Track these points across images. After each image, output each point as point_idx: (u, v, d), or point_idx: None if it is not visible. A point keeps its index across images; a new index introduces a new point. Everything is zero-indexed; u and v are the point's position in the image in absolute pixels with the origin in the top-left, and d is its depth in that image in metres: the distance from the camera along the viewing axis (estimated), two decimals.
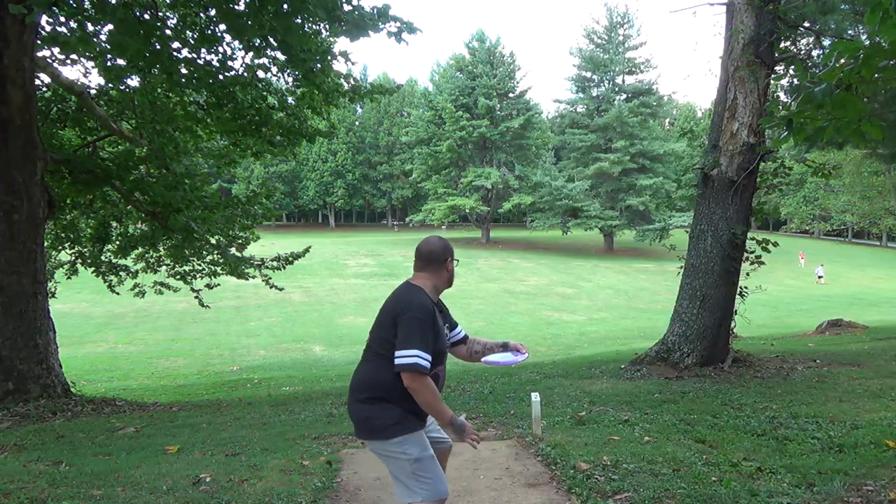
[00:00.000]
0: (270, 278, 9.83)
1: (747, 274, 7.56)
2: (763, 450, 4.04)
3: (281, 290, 10.66)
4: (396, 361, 2.34)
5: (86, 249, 9.81)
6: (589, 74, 52.25)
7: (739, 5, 7.05)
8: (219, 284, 10.53)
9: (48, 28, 6.06)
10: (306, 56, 6.84)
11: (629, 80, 51.83)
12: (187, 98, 8.21)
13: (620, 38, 51.35)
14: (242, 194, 10.18)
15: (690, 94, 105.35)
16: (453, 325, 2.75)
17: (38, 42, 6.50)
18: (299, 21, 6.06)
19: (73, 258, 9.91)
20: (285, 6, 5.66)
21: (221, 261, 9.49)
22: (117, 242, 9.66)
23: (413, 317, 2.39)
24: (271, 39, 6.42)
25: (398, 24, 6.12)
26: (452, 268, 2.63)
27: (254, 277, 9.84)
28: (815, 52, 8.07)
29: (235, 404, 7.37)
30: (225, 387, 10.80)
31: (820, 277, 35.07)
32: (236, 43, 6.81)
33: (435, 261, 2.58)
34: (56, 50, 7.19)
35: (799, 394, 5.72)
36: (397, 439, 2.41)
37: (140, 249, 9.74)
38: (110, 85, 7.87)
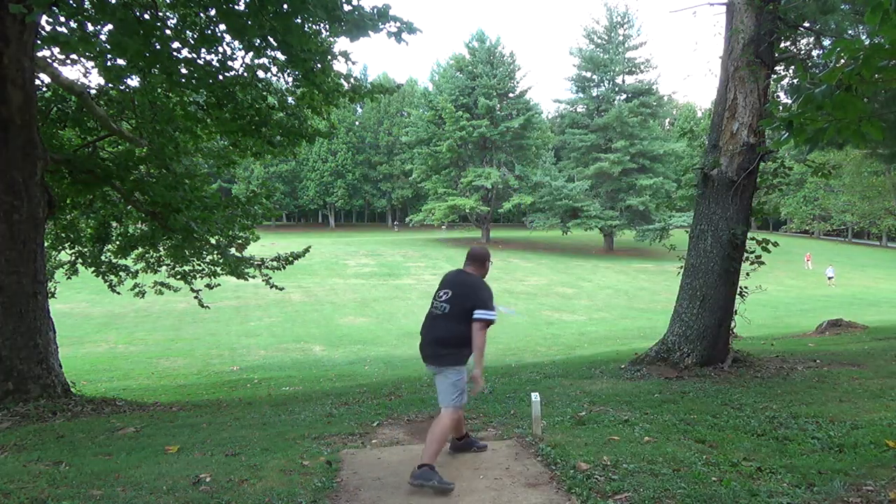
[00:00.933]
0: (270, 278, 9.82)
1: (747, 274, 7.56)
2: (763, 450, 4.04)
3: (281, 289, 10.65)
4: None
5: (86, 249, 9.79)
6: (589, 74, 52.26)
7: (739, 5, 7.04)
8: (219, 284, 10.52)
9: (48, 28, 6.05)
10: (306, 56, 6.83)
11: (629, 80, 51.85)
12: (187, 98, 8.20)
13: (620, 38, 51.37)
14: (242, 194, 10.16)
15: (690, 94, 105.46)
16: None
17: (38, 42, 6.50)
18: (299, 21, 6.05)
19: (73, 258, 9.90)
20: (285, 6, 5.66)
21: (221, 261, 9.48)
22: (117, 242, 9.65)
23: None
24: (271, 39, 6.41)
25: (398, 24, 6.12)
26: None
27: (254, 277, 9.83)
28: (815, 52, 8.07)
29: (235, 404, 7.36)
30: (225, 387, 10.80)
31: (830, 278, 34.45)
32: (236, 43, 6.80)
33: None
34: (56, 50, 7.18)
35: (799, 394, 5.72)
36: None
37: (140, 249, 9.72)
38: (110, 85, 7.86)
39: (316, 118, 8.93)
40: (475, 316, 3.76)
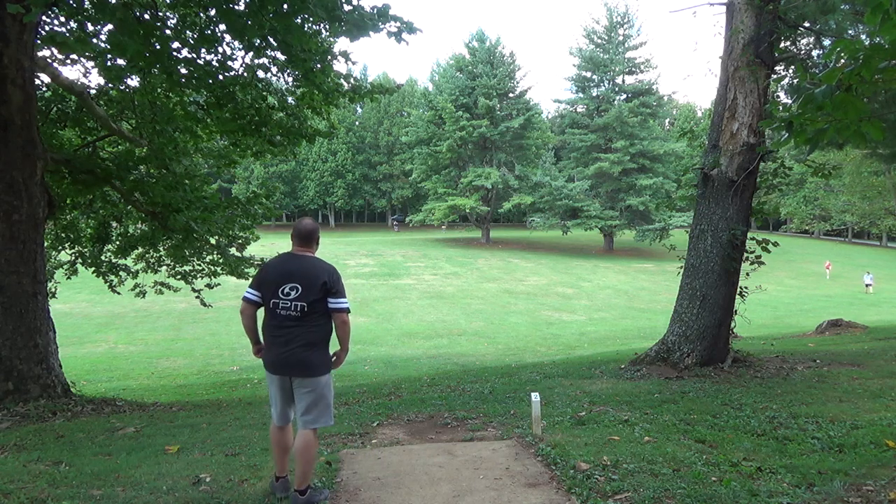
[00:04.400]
0: None
1: (747, 274, 7.56)
2: (763, 450, 4.04)
3: None
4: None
5: (86, 249, 9.80)
6: (589, 74, 52.26)
7: (739, 5, 7.05)
8: (219, 284, 10.53)
9: (48, 28, 6.05)
10: (306, 56, 6.83)
11: (629, 80, 51.85)
12: (187, 98, 8.20)
13: (620, 38, 51.38)
14: (242, 194, 10.17)
15: (690, 94, 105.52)
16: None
17: (38, 42, 6.50)
18: (299, 21, 6.05)
19: (73, 258, 9.90)
20: (285, 6, 5.66)
21: (221, 261, 9.49)
22: (117, 242, 9.66)
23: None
24: (271, 39, 6.41)
25: (398, 24, 6.11)
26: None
27: None
28: (815, 52, 8.07)
29: (235, 404, 7.36)
30: (225, 387, 10.81)
31: (868, 286, 32.74)
32: (236, 43, 6.80)
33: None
34: (56, 50, 7.18)
35: (799, 394, 5.72)
36: (327, 376, 3.44)
37: (140, 249, 9.73)
38: (110, 85, 7.86)
39: (316, 118, 8.93)
40: (337, 306, 3.27)
